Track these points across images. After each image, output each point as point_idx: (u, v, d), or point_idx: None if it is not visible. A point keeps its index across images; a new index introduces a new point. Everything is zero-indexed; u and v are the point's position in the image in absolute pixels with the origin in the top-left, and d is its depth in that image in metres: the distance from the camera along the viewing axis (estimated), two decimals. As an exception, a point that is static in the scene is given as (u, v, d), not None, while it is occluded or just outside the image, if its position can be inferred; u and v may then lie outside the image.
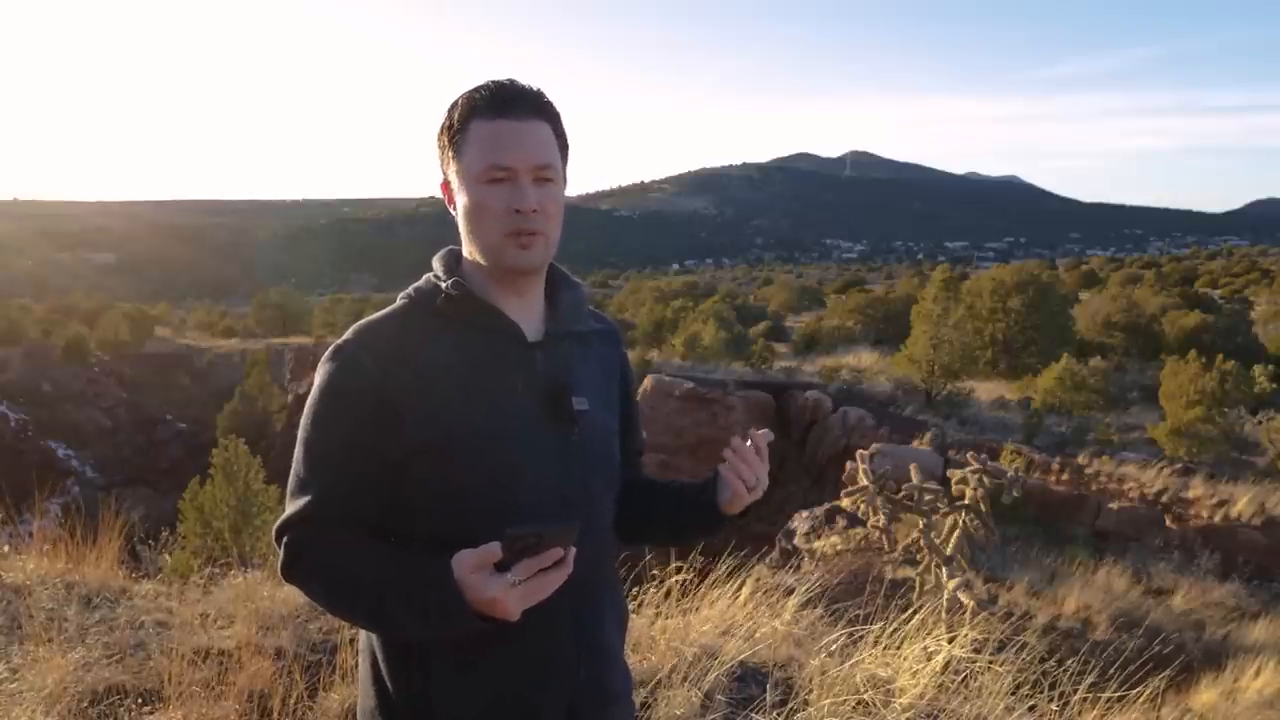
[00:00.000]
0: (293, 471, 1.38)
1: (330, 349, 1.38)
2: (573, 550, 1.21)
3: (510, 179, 1.35)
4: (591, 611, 1.43)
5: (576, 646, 1.40)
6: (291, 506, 1.36)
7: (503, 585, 1.17)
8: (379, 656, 1.39)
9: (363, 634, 1.44)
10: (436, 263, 1.47)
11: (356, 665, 1.51)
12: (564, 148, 1.42)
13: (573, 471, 1.40)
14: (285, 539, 1.35)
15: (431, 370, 1.35)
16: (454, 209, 1.42)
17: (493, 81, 1.38)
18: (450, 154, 1.39)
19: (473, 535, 1.21)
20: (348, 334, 1.39)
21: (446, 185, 1.43)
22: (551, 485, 1.37)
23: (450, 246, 1.50)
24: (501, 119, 1.35)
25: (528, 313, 1.44)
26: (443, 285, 1.40)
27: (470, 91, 1.38)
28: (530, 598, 1.20)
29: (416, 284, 1.45)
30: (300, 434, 1.38)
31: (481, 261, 1.41)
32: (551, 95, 1.41)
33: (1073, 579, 9.65)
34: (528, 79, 1.40)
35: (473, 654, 1.34)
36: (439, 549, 1.24)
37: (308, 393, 1.42)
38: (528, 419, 1.37)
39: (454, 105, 1.39)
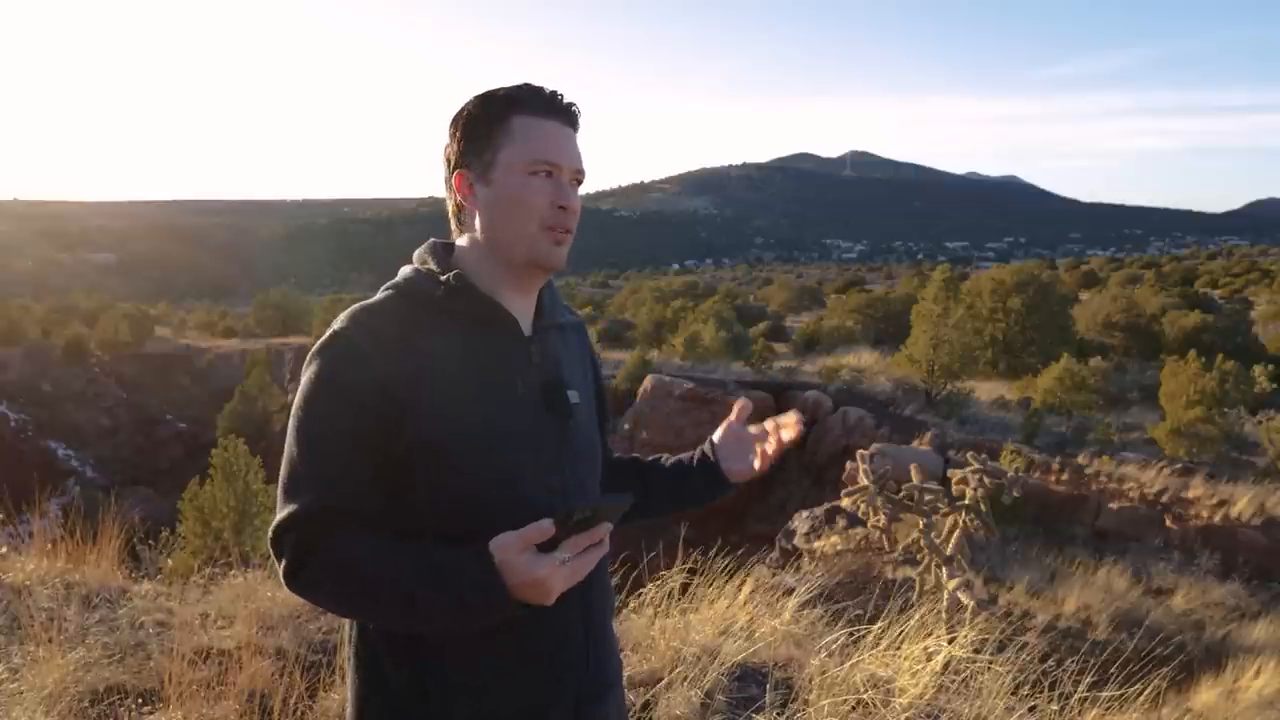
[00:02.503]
0: (286, 470, 1.29)
1: (326, 336, 1.32)
2: (609, 527, 1.21)
3: (555, 175, 1.37)
4: (595, 599, 1.44)
5: (585, 634, 1.41)
6: (290, 506, 1.27)
7: (550, 565, 1.15)
8: (382, 652, 1.33)
9: (353, 630, 1.38)
10: (426, 254, 1.43)
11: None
12: None
13: (565, 463, 1.41)
14: (288, 540, 1.26)
15: (434, 363, 1.32)
16: (468, 199, 1.40)
17: (536, 84, 1.39)
18: (481, 144, 1.38)
19: (475, 531, 1.20)
20: (342, 321, 1.32)
21: (462, 176, 1.40)
22: (549, 478, 1.37)
23: (434, 239, 1.47)
24: (552, 120, 1.38)
25: (524, 308, 1.44)
26: (442, 277, 1.37)
27: (510, 88, 1.38)
28: (573, 577, 1.18)
29: (405, 275, 1.41)
30: (294, 427, 1.30)
31: (502, 253, 1.39)
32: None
33: (1073, 579, 9.63)
34: (536, 81, 1.43)
35: (493, 644, 1.31)
36: (442, 544, 1.24)
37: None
38: (530, 414, 1.38)
39: (488, 98, 1.38)
